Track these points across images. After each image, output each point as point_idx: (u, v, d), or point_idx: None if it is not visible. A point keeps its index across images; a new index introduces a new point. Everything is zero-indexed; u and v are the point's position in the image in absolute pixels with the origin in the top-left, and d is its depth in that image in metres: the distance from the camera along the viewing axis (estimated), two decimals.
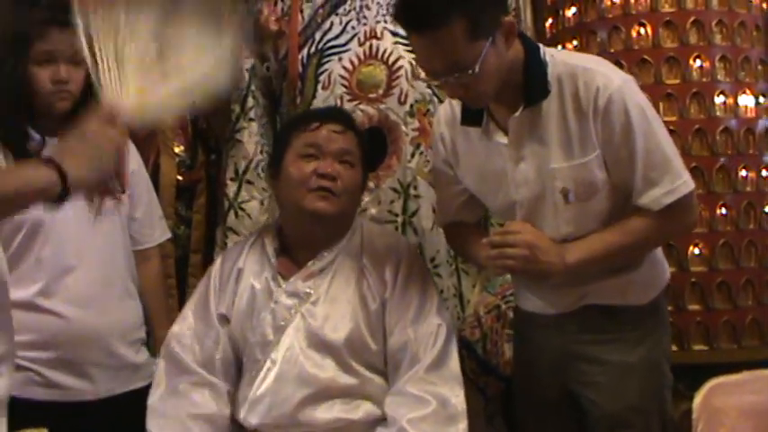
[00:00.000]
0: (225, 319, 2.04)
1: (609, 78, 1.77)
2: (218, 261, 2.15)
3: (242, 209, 2.70)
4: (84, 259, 2.09)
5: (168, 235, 2.48)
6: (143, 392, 2.09)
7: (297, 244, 2.06)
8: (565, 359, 1.99)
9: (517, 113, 1.82)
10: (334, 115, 2.13)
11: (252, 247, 2.11)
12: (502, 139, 1.88)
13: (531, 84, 1.81)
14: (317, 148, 2.02)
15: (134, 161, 2.31)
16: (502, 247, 1.80)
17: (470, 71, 1.72)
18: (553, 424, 2.08)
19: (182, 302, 2.34)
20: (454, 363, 1.99)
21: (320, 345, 1.95)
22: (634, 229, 1.84)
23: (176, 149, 3.05)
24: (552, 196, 1.87)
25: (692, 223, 2.00)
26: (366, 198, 2.47)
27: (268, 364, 1.96)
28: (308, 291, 1.99)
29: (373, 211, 2.48)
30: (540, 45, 1.87)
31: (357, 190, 2.08)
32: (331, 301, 1.98)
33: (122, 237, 2.22)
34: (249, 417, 1.96)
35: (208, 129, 3.21)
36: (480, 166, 1.98)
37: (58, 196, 1.36)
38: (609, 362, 1.94)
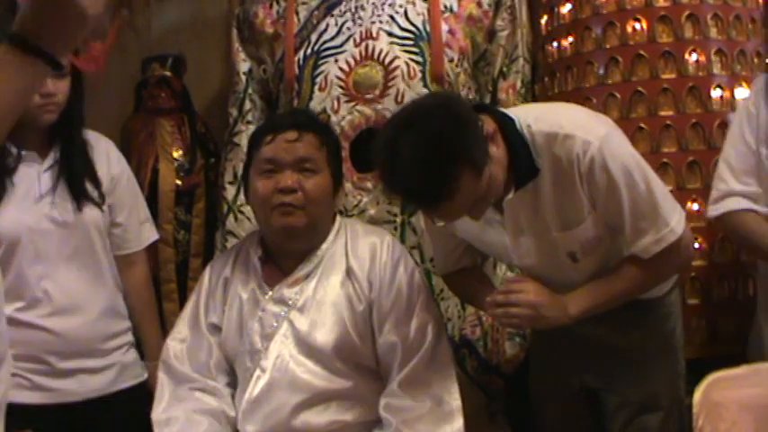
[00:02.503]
0: (216, 329, 2.04)
1: (586, 142, 1.75)
2: (206, 271, 2.13)
3: (241, 212, 2.71)
4: (65, 270, 2.09)
5: (155, 237, 2.44)
6: (132, 391, 2.14)
7: (279, 253, 2.04)
8: (584, 349, 2.01)
9: (510, 196, 1.82)
10: (289, 122, 2.05)
11: (238, 257, 2.10)
12: (496, 216, 1.88)
13: (519, 167, 1.80)
14: (273, 162, 1.97)
15: (115, 167, 2.27)
16: (506, 306, 1.83)
17: (491, 198, 1.76)
18: (570, 415, 2.11)
19: (182, 307, 2.34)
20: (446, 359, 1.98)
21: (309, 351, 1.94)
22: (629, 276, 1.87)
23: (175, 154, 3.06)
24: (559, 259, 1.90)
25: (686, 263, 2.04)
26: (365, 198, 2.48)
27: (258, 372, 1.95)
28: (294, 297, 1.98)
29: (372, 211, 2.48)
30: (515, 116, 1.84)
31: (323, 195, 2.00)
32: (317, 306, 1.96)
33: (102, 246, 2.20)
34: (245, 425, 1.95)
35: (206, 132, 3.23)
36: (478, 235, 1.99)
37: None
38: (629, 350, 1.98)
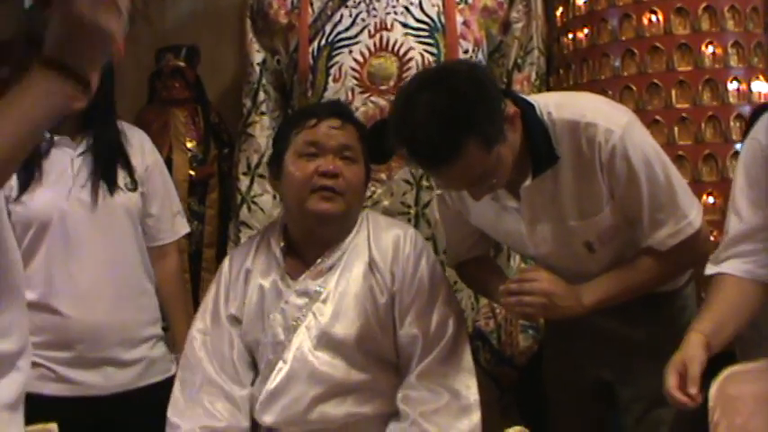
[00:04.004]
0: (236, 320, 2.02)
1: (608, 130, 1.74)
2: (226, 262, 2.12)
3: (254, 203, 2.71)
4: (92, 258, 2.09)
5: (187, 230, 2.43)
6: (159, 387, 2.10)
7: (303, 242, 2.03)
8: (598, 342, 2.00)
9: (527, 182, 1.80)
10: (333, 110, 2.06)
11: (259, 247, 2.08)
12: (513, 203, 1.87)
13: (537, 153, 1.79)
14: (316, 145, 1.96)
15: (149, 157, 2.28)
16: (519, 294, 1.81)
17: (494, 179, 1.73)
18: (584, 407, 2.11)
19: (195, 297, 2.35)
20: (465, 353, 1.97)
21: (330, 343, 1.93)
22: (645, 267, 1.86)
23: (188, 144, 3.07)
24: (575, 249, 1.88)
25: (703, 255, 1.99)
26: (379, 190, 2.47)
27: (280, 363, 1.94)
28: (318, 289, 1.96)
29: (386, 202, 2.48)
30: (534, 102, 1.83)
31: (360, 186, 2.02)
32: (340, 298, 1.95)
33: (133, 233, 2.20)
34: (263, 416, 1.95)
35: (220, 123, 3.23)
36: (493, 224, 1.98)
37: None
38: (643, 343, 1.97)
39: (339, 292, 1.96)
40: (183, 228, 2.40)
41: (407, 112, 1.67)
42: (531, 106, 1.80)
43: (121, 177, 2.16)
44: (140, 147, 2.26)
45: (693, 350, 1.67)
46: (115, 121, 2.20)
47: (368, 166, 2.06)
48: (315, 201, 1.94)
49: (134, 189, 2.18)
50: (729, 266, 1.79)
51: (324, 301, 1.96)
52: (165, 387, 2.04)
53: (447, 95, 1.64)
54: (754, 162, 1.83)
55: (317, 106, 2.30)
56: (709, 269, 1.85)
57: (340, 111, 2.08)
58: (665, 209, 1.80)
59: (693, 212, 1.83)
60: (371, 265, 1.98)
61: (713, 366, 1.83)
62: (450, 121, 1.62)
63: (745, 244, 1.79)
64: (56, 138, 2.11)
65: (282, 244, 2.04)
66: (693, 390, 1.59)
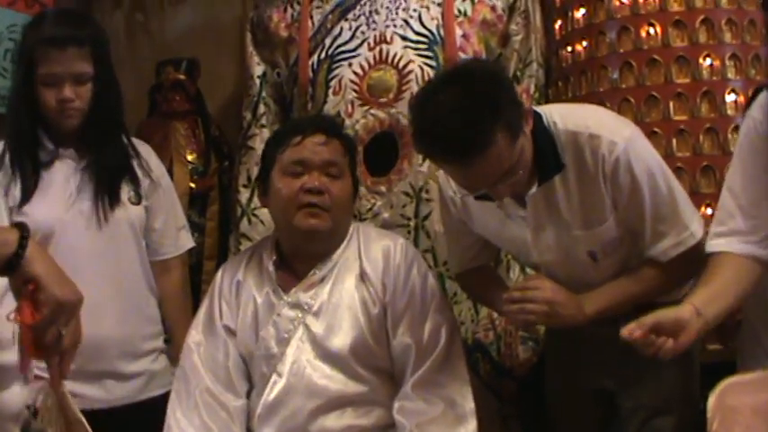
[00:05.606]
0: (231, 332, 2.03)
1: (612, 142, 1.77)
2: (219, 273, 2.13)
3: (255, 215, 2.72)
4: (94, 270, 2.08)
5: (191, 244, 2.43)
6: (160, 400, 2.09)
7: (294, 256, 2.05)
8: (599, 352, 2.00)
9: (533, 190, 1.82)
10: (317, 126, 2.07)
11: (250, 261, 2.10)
12: (518, 211, 1.89)
13: (544, 161, 1.81)
14: (301, 163, 1.98)
15: (155, 171, 2.28)
16: (521, 302, 1.83)
17: (521, 171, 1.74)
18: (584, 417, 2.12)
19: (195, 309, 2.34)
20: (459, 361, 1.98)
21: (326, 355, 1.94)
22: (647, 278, 1.88)
23: (189, 157, 3.08)
24: (579, 257, 1.90)
25: (704, 268, 2.01)
26: (378, 202, 2.48)
27: (274, 377, 1.95)
28: (309, 301, 1.98)
29: (386, 215, 2.49)
30: (542, 111, 1.86)
31: (347, 200, 2.04)
32: (333, 310, 1.97)
33: (136, 247, 2.20)
34: (261, 429, 1.95)
35: (220, 136, 3.24)
36: (497, 231, 1.99)
37: (7, 262, 1.33)
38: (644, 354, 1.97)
39: (332, 305, 1.97)
40: (188, 242, 2.39)
41: (432, 110, 1.69)
42: (538, 115, 1.82)
43: (126, 191, 2.16)
44: (146, 161, 2.26)
45: (671, 310, 1.69)
46: (121, 136, 2.21)
47: (355, 178, 2.08)
48: (301, 217, 1.95)
49: (138, 203, 2.18)
50: (728, 245, 1.80)
51: (316, 314, 1.97)
52: (167, 401, 2.03)
53: (469, 89, 1.67)
54: (747, 136, 1.86)
55: (301, 122, 2.32)
56: (709, 247, 1.86)
57: (325, 126, 2.10)
58: (667, 220, 1.82)
59: (695, 224, 1.85)
60: (363, 277, 1.99)
61: (713, 377, 1.83)
62: (478, 111, 1.64)
63: (739, 219, 1.80)
64: (60, 150, 2.12)
65: (275, 257, 2.05)
66: (635, 326, 1.63)
